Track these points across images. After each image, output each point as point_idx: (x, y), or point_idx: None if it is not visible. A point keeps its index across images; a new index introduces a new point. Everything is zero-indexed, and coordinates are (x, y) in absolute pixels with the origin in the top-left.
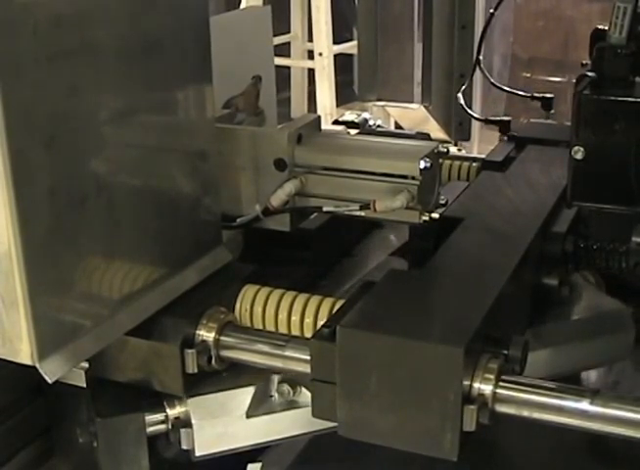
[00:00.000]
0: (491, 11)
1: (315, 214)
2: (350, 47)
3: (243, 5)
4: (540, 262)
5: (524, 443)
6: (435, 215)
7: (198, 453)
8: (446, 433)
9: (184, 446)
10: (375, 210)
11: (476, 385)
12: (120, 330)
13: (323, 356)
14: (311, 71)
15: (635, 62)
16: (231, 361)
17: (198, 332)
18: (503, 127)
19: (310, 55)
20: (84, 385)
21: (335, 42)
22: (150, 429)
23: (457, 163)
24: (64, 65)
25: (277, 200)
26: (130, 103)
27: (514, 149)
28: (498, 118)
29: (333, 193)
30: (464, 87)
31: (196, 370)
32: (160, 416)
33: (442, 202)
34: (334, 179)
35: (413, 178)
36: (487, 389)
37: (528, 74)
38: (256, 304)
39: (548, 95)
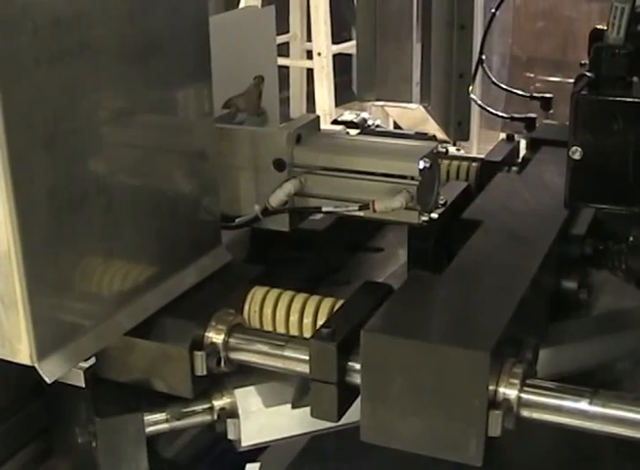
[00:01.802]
0: (492, 10)
1: (322, 215)
2: (349, 47)
3: (242, 5)
4: (559, 265)
5: (526, 442)
6: (435, 216)
7: (244, 444)
8: (471, 438)
9: (230, 437)
10: (374, 210)
11: (501, 390)
12: (120, 330)
13: (322, 357)
14: (310, 71)
15: (633, 62)
16: (240, 363)
17: (207, 334)
18: (529, 125)
19: (309, 55)
20: (83, 385)
21: (333, 42)
22: (149, 429)
23: (456, 162)
24: (63, 65)
25: (276, 200)
26: (130, 103)
27: (529, 150)
28: (523, 116)
29: (332, 193)
30: (470, 87)
31: (205, 372)
32: (159, 416)
33: (442, 202)
34: (333, 179)
35: (412, 178)
36: (512, 394)
37: (528, 74)
38: (266, 305)
39: (547, 95)
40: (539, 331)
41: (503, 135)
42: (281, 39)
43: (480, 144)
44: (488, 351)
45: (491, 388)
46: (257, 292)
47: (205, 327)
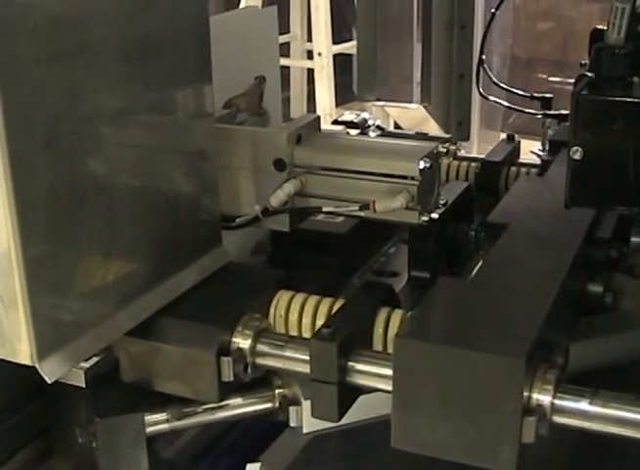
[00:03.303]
0: (492, 10)
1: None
2: (349, 47)
3: (242, 5)
4: (585, 269)
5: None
6: (435, 216)
7: (306, 430)
8: (505, 445)
9: (292, 424)
10: (374, 210)
11: (534, 396)
12: (120, 330)
13: (322, 357)
14: (310, 71)
15: (633, 62)
16: (268, 369)
17: (233, 339)
18: (562, 119)
19: (309, 55)
20: (83, 385)
21: (334, 42)
22: (149, 429)
23: (456, 162)
24: (63, 65)
25: (276, 200)
26: (130, 103)
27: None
28: (557, 112)
29: (332, 193)
30: (477, 86)
31: (232, 378)
32: (159, 416)
33: (442, 202)
34: (333, 179)
35: (412, 178)
36: (546, 400)
37: (528, 75)
38: (291, 309)
39: (547, 95)
40: (567, 335)
41: (503, 135)
42: (281, 39)
43: (481, 144)
44: (523, 357)
45: (525, 394)
46: (283, 296)
47: (232, 332)
